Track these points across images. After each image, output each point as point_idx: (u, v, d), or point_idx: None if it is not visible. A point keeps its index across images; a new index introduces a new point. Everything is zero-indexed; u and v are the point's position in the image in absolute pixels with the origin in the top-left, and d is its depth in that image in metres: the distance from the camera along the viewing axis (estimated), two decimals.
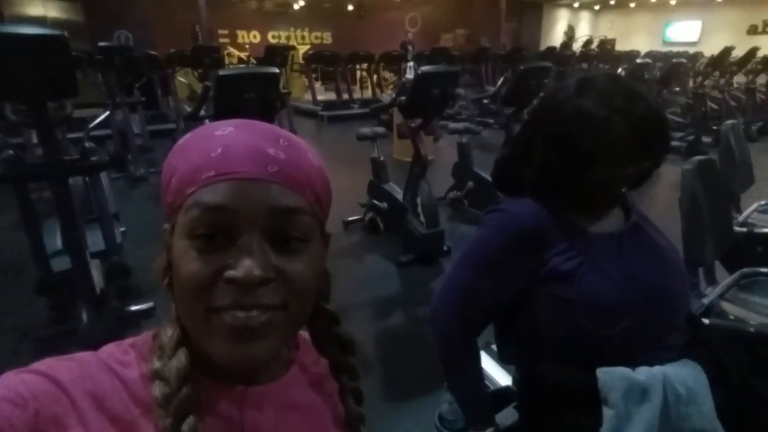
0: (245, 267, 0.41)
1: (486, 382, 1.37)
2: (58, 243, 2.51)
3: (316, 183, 0.48)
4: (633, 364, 0.81)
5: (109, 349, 0.48)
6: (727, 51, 7.16)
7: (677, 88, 6.90)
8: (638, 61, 6.25)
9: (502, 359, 1.21)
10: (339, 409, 0.58)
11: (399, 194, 3.47)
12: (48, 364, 0.43)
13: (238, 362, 0.43)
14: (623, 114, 0.78)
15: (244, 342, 0.42)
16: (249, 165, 0.43)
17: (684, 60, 6.57)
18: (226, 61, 8.24)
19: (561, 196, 0.88)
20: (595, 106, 0.79)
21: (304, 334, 0.59)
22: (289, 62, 8.80)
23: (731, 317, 1.46)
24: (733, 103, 6.95)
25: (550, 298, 0.85)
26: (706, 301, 1.54)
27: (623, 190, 0.96)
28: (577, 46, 8.77)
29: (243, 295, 0.42)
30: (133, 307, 2.50)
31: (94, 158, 2.31)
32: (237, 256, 0.42)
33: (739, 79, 7.60)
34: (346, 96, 9.02)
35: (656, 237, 0.93)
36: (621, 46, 9.07)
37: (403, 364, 2.20)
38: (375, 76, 9.38)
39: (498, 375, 1.37)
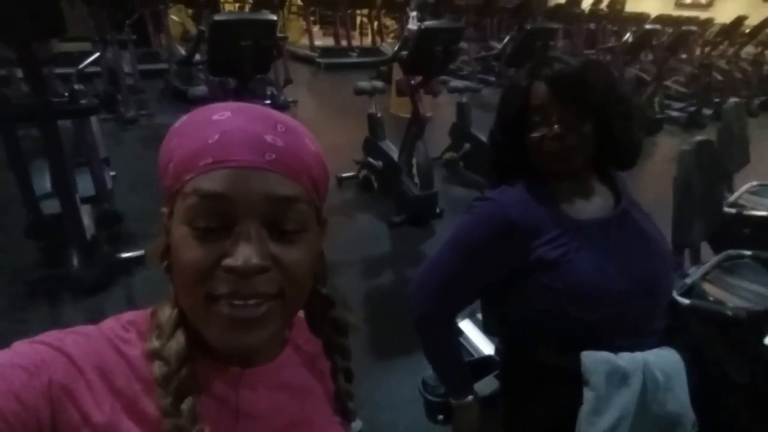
0: (243, 255, 0.41)
1: (469, 349, 1.42)
2: (47, 185, 2.46)
3: (313, 169, 0.48)
4: (616, 349, 0.84)
5: (110, 324, 0.49)
6: (739, 21, 6.96)
7: (684, 56, 6.73)
8: (647, 26, 6.05)
9: (486, 332, 1.23)
10: (329, 386, 0.60)
11: (395, 153, 3.41)
12: (56, 336, 0.44)
13: (234, 349, 0.45)
14: (542, 78, 0.87)
15: (241, 331, 0.43)
16: (247, 153, 0.43)
17: (693, 28, 6.37)
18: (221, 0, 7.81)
19: (524, 170, 0.93)
20: (519, 77, 0.91)
21: (299, 312, 0.60)
22: (287, 3, 8.41)
23: (711, 298, 1.49)
24: (738, 75, 6.82)
25: (536, 285, 0.87)
26: (688, 281, 1.57)
27: (613, 172, 0.97)
28: (586, 4, 8.44)
29: (241, 284, 0.42)
30: (125, 254, 2.49)
31: (83, 101, 2.24)
32: (235, 244, 0.42)
33: (750, 50, 7.42)
34: (344, 43, 8.72)
35: (644, 223, 0.94)
36: (631, 6, 8.73)
37: (391, 323, 2.24)
38: (376, 23, 9.04)
39: (481, 343, 1.41)
